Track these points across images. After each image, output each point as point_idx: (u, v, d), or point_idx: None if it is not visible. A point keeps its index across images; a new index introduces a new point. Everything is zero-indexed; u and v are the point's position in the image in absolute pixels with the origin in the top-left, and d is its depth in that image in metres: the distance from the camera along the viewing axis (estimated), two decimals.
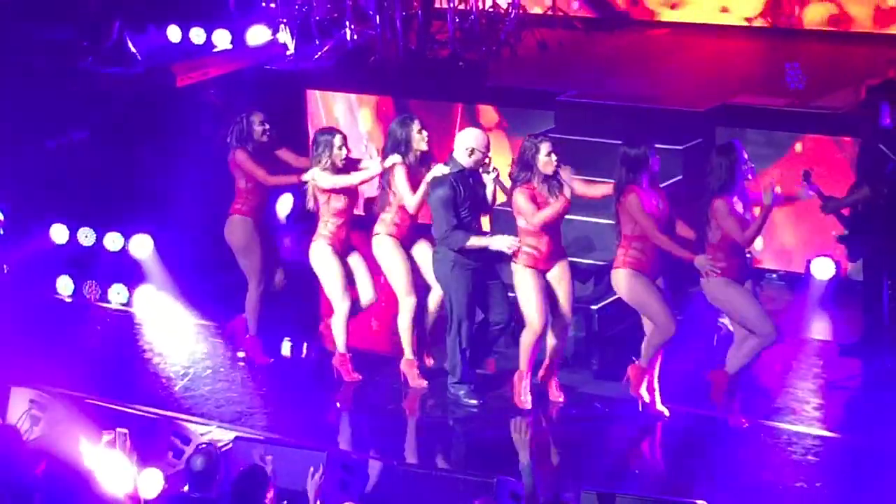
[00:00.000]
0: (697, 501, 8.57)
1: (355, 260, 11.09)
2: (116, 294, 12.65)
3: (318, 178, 10.81)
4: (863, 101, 11.61)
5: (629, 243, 10.04)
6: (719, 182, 9.82)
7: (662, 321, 10.12)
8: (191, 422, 10.50)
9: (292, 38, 14.44)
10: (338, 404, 11.05)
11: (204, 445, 8.81)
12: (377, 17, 14.22)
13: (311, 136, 11.60)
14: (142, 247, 12.64)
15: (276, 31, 14.48)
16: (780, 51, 13.98)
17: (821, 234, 12.10)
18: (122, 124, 13.40)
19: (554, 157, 10.21)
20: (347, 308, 11.03)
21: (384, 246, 10.91)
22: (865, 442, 10.02)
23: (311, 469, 8.49)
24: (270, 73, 14.36)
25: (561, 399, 10.69)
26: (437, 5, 14.63)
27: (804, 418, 10.39)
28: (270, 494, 8.15)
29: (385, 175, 10.81)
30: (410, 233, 10.96)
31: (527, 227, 10.29)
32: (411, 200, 10.66)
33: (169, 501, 8.51)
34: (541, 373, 10.66)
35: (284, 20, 14.52)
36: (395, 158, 10.71)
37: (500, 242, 10.36)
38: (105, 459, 8.81)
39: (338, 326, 11.08)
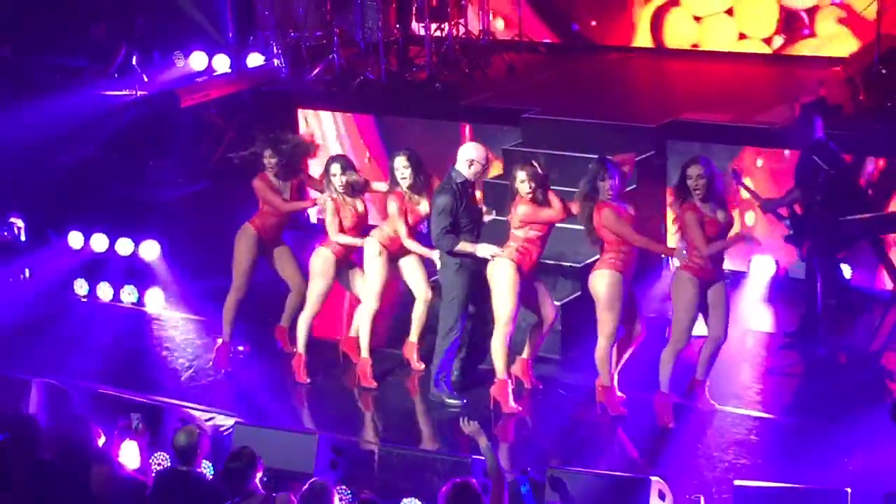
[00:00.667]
0: (652, 477, 8.60)
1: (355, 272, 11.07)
2: (128, 294, 12.62)
3: (328, 199, 10.84)
4: (798, 117, 11.66)
5: (614, 247, 10.01)
6: (696, 192, 9.85)
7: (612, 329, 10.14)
8: (195, 409, 10.47)
9: (285, 63, 14.45)
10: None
11: (187, 424, 8.73)
12: (362, 43, 14.26)
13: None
14: (150, 251, 12.65)
15: (270, 57, 14.47)
16: (723, 72, 14.11)
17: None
18: (131, 141, 13.35)
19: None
20: (317, 311, 10.99)
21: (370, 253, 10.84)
22: (801, 422, 10.06)
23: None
24: (266, 93, 14.33)
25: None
26: (414, 32, 14.64)
27: (747, 402, 10.42)
28: (259, 474, 8.09)
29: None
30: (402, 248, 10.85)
31: (517, 231, 10.26)
32: (402, 229, 10.62)
33: (161, 475, 8.48)
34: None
35: (278, 47, 14.55)
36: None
37: (485, 251, 10.30)
38: (119, 442, 8.79)
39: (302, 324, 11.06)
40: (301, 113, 14.35)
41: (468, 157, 10.41)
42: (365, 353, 10.95)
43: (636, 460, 9.82)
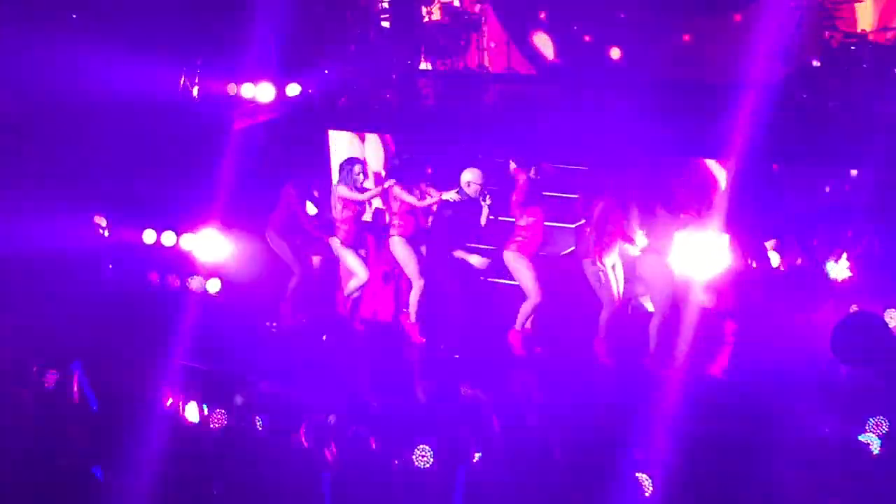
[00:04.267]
0: None
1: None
2: (195, 282, 12.45)
3: (339, 191, 11.19)
4: None
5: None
6: None
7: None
8: (242, 375, 10.29)
9: (318, 92, 14.09)
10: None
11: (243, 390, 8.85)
12: (380, 76, 13.97)
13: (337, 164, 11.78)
14: (211, 246, 12.43)
15: (306, 87, 14.11)
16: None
17: None
18: (193, 157, 13.08)
19: None
20: (365, 279, 11.28)
21: (396, 244, 11.09)
22: (744, 380, 9.97)
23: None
24: (302, 117, 14.07)
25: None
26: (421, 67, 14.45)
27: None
28: (304, 427, 8.20)
29: (385, 195, 11.19)
30: (417, 232, 11.13)
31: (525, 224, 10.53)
32: (420, 203, 10.98)
33: (226, 432, 8.46)
34: None
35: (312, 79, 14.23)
36: (391, 182, 11.12)
37: (475, 261, 10.72)
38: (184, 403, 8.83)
39: (349, 290, 11.39)
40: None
41: (468, 180, 10.71)
42: (414, 318, 11.12)
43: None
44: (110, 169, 12.96)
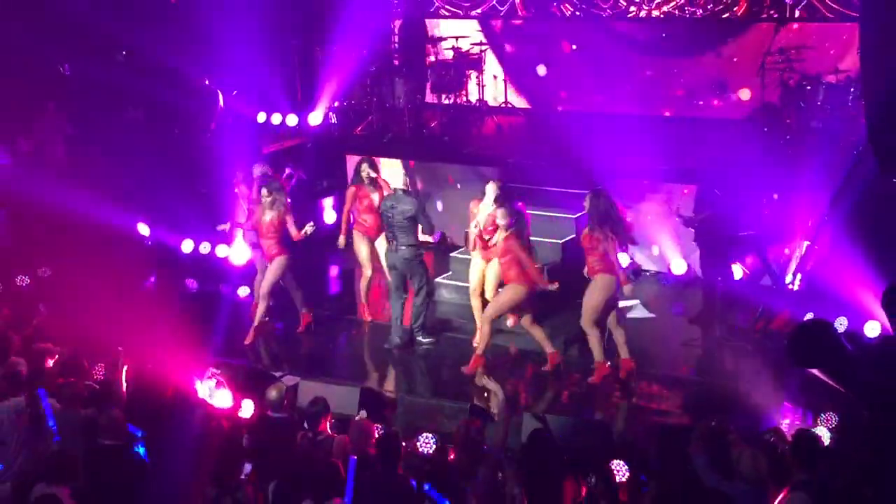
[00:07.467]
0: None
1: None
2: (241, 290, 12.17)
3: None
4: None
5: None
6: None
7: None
8: (269, 369, 10.23)
9: (337, 121, 14.27)
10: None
11: (276, 383, 8.57)
12: (392, 108, 14.08)
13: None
14: (242, 255, 12.11)
15: (327, 116, 14.28)
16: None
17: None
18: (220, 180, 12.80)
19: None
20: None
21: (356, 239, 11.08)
22: (711, 380, 10.00)
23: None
24: (323, 143, 14.09)
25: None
26: (427, 101, 14.38)
27: (666, 366, 10.33)
28: (330, 419, 8.03)
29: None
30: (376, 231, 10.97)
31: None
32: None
33: (258, 420, 8.34)
34: None
35: (332, 109, 14.36)
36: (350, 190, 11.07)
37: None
38: (212, 392, 8.70)
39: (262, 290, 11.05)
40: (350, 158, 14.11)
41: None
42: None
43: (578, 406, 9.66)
44: (152, 181, 12.79)
